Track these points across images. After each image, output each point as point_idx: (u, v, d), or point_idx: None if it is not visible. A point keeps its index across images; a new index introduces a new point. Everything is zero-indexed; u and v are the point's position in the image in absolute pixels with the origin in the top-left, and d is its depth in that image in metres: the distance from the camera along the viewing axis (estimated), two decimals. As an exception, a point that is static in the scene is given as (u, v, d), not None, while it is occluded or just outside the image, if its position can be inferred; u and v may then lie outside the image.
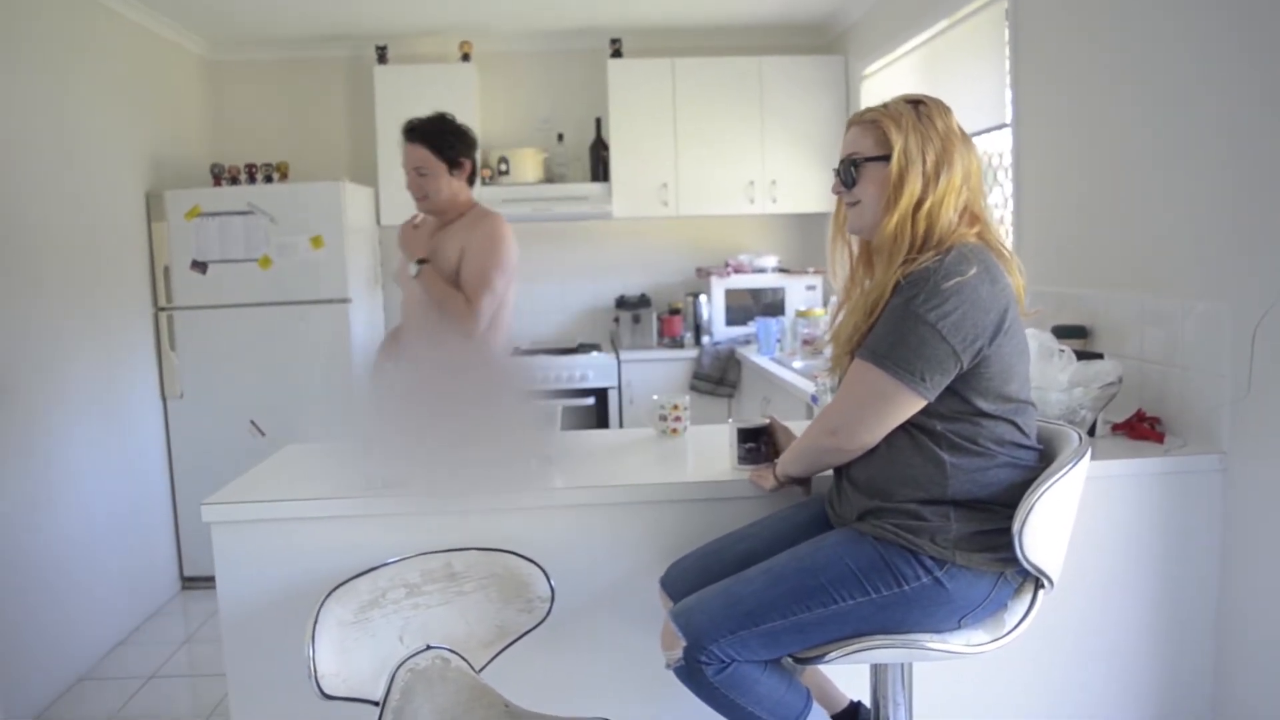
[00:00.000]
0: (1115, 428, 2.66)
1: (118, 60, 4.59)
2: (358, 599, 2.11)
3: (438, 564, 2.20)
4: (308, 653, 1.98)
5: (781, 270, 5.67)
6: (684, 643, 1.89)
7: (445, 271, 3.21)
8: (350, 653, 2.06)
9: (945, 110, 1.93)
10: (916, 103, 1.93)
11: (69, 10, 4.15)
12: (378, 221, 5.52)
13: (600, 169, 5.62)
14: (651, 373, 5.37)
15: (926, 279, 1.80)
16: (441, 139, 3.22)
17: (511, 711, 2.11)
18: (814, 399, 3.36)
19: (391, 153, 5.33)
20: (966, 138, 1.93)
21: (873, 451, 1.93)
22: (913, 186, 1.86)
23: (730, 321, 5.53)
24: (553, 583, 2.22)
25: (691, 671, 1.89)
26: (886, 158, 1.89)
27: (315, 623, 2.02)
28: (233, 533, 2.32)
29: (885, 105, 1.94)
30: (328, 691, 1.99)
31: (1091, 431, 2.56)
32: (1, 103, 3.62)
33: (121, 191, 4.59)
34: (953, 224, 1.88)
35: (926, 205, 1.86)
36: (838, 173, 1.99)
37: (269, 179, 5.28)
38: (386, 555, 2.21)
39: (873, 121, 1.92)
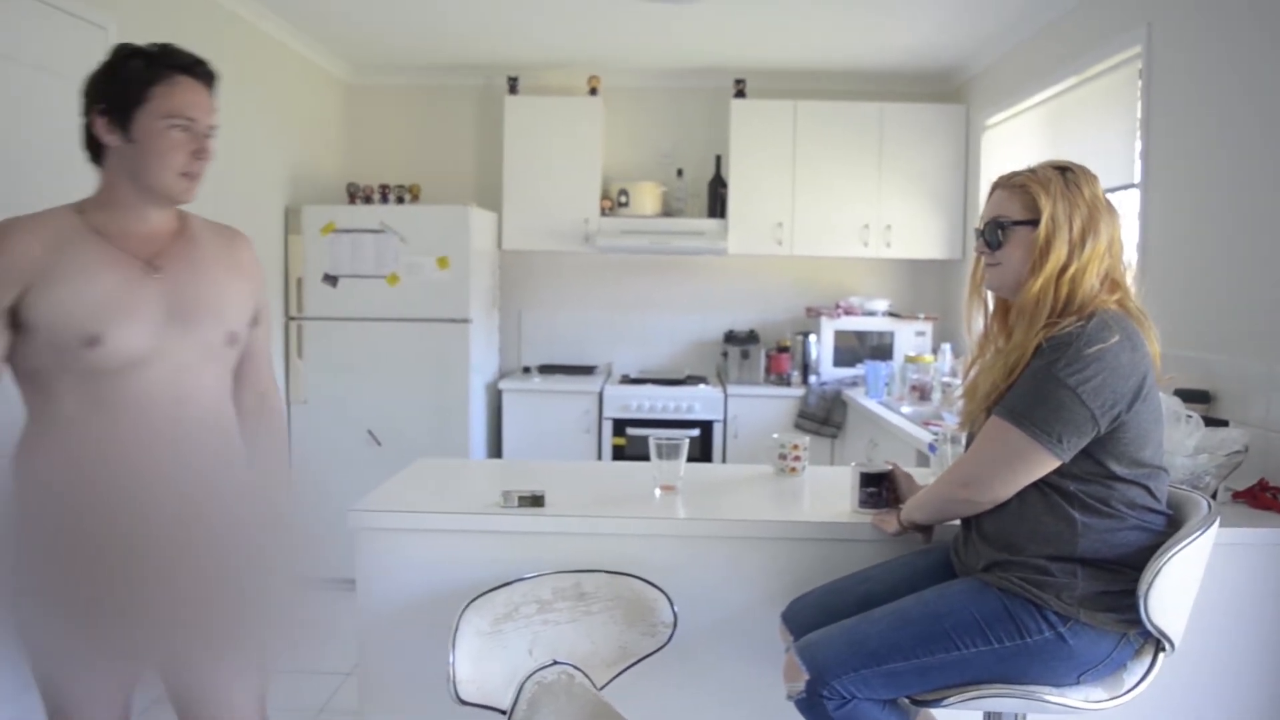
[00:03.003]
0: (1236, 495, 2.66)
1: (268, 81, 4.85)
2: (494, 611, 2.22)
3: (569, 583, 2.31)
4: (450, 659, 2.10)
5: (892, 314, 5.70)
6: (807, 676, 1.96)
7: (227, 329, 2.05)
8: (484, 662, 2.18)
9: (1092, 178, 1.99)
10: (1064, 169, 1.99)
11: (230, 32, 4.41)
12: (499, 245, 5.70)
13: (718, 205, 5.73)
14: (757, 409, 5.44)
15: (1069, 343, 1.86)
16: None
17: (631, 730, 2.20)
18: (932, 448, 3.39)
19: (518, 179, 5.55)
20: (1111, 206, 1.99)
21: (1003, 505, 1.98)
22: (1059, 252, 1.92)
23: (838, 362, 5.58)
24: (676, 609, 2.31)
25: (812, 705, 1.96)
26: (1034, 222, 1.96)
27: (456, 630, 2.14)
28: (374, 539, 2.46)
29: (1033, 170, 2.01)
30: (463, 697, 2.11)
31: (1213, 498, 2.56)
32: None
33: (262, 205, 4.84)
34: (1095, 290, 1.94)
35: (1071, 271, 1.92)
36: (981, 234, 2.06)
37: (400, 200, 5.50)
38: (519, 571, 2.32)
39: (1021, 186, 1.99)
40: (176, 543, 1.83)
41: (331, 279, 5.06)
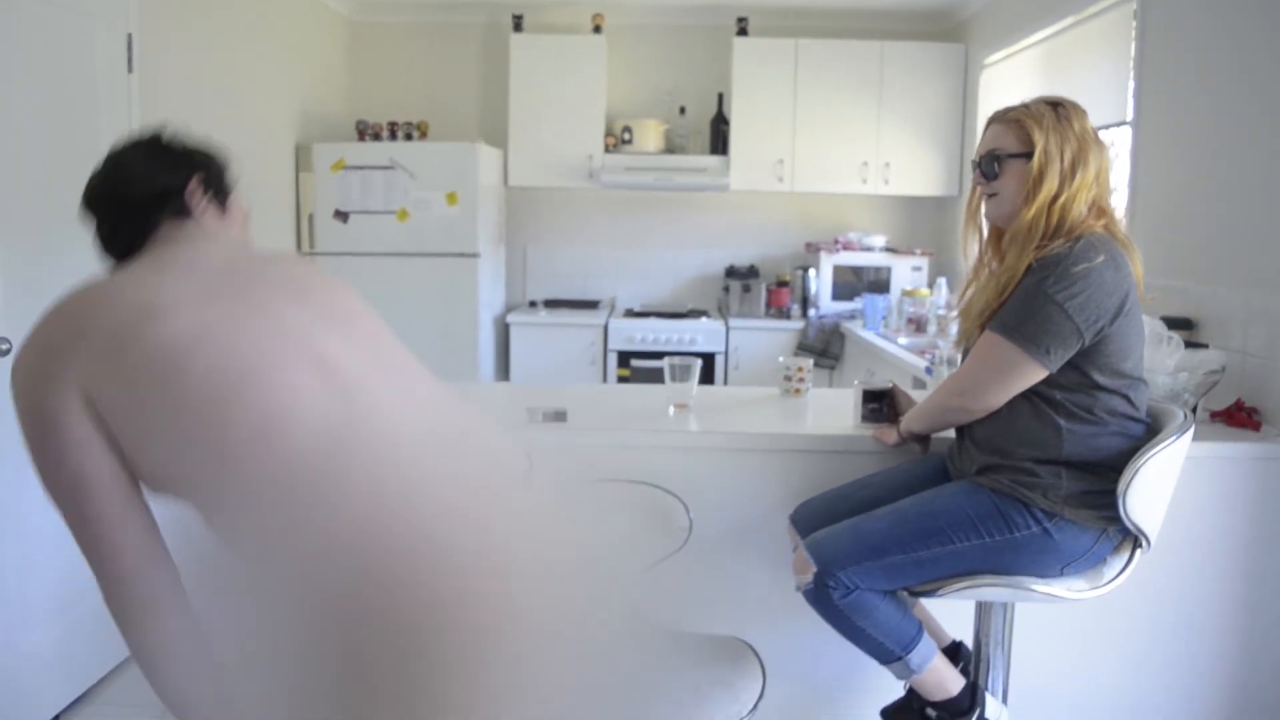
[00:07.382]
0: (1214, 415, 2.84)
1: (273, 19, 4.92)
2: (524, 515, 2.40)
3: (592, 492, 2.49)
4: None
5: (889, 250, 5.85)
6: (815, 569, 2.15)
7: None
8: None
9: (1082, 113, 2.14)
10: (1056, 104, 2.14)
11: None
12: (505, 182, 5.83)
13: (720, 142, 5.85)
14: (758, 341, 5.61)
15: (1058, 263, 2.03)
16: None
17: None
18: (929, 370, 3.58)
19: (524, 116, 5.66)
20: (1099, 139, 2.14)
21: (994, 414, 2.15)
22: (1051, 182, 2.08)
23: (836, 296, 5.74)
24: (691, 515, 2.49)
25: (819, 595, 2.15)
26: (1028, 155, 2.11)
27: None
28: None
29: (1027, 106, 2.16)
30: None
31: (1191, 414, 2.74)
32: (175, 52, 3.92)
33: (273, 143, 4.95)
34: (1083, 216, 2.10)
35: (1061, 199, 2.08)
36: (977, 165, 2.21)
37: (409, 137, 5.61)
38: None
39: (1016, 121, 2.14)
40: None
41: (342, 215, 5.19)
